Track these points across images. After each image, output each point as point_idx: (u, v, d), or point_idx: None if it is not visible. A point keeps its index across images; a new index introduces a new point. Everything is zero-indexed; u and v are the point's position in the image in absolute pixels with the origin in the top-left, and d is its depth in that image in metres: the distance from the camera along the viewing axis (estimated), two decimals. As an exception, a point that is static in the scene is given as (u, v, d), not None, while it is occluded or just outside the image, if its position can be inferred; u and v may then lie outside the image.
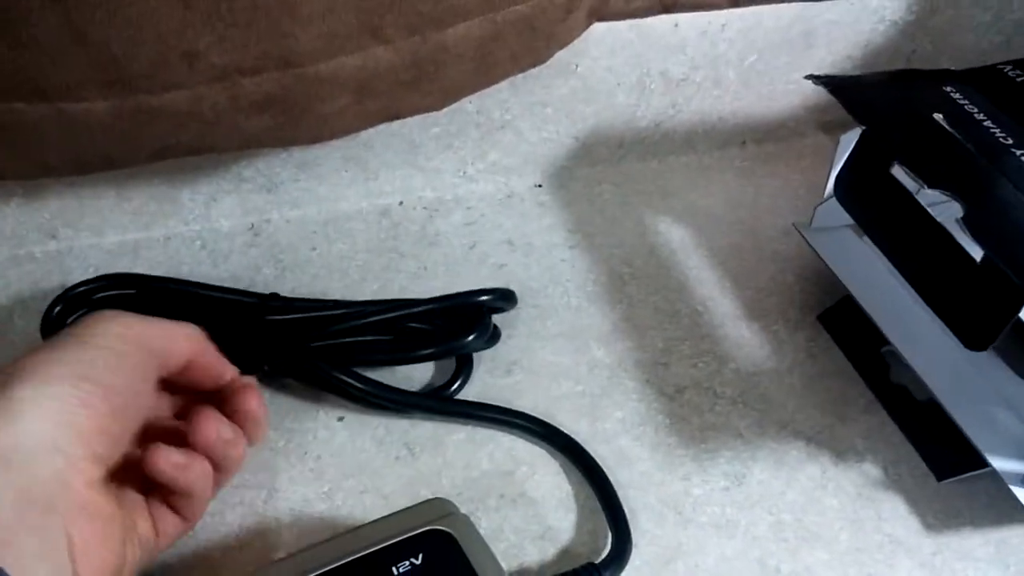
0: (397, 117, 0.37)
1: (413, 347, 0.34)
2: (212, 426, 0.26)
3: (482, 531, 0.30)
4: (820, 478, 0.32)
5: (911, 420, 0.34)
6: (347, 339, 0.34)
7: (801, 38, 0.43)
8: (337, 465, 0.32)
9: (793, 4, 0.41)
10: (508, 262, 0.40)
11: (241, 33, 0.31)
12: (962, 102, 0.34)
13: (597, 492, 0.31)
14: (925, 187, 0.29)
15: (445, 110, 0.38)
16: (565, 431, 0.33)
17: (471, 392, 0.34)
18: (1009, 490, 0.29)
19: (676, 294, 0.39)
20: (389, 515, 0.26)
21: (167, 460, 0.25)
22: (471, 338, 0.33)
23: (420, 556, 0.25)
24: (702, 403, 0.35)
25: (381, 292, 0.39)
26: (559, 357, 0.36)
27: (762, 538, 0.30)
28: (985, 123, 0.33)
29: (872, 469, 0.33)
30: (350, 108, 0.34)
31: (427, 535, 0.25)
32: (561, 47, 0.38)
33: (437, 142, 0.42)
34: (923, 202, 0.30)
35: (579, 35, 0.38)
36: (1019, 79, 0.36)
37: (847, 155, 0.33)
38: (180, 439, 0.26)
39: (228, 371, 0.29)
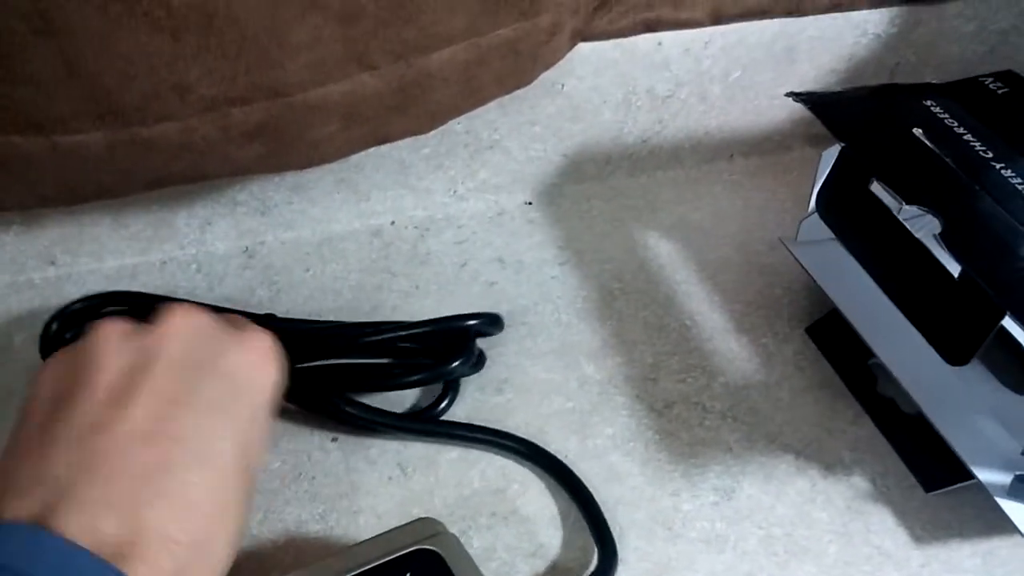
0: (385, 141, 0.37)
1: (399, 375, 0.34)
2: None
3: (474, 549, 0.30)
4: (809, 491, 0.33)
5: (899, 432, 0.34)
6: (335, 361, 0.34)
7: (784, 53, 0.43)
8: (331, 486, 0.33)
9: (775, 20, 0.41)
10: (499, 280, 0.41)
11: (230, 64, 0.31)
12: (942, 116, 0.34)
13: (581, 508, 0.31)
14: (904, 204, 0.29)
15: (434, 131, 0.39)
16: (549, 450, 0.33)
17: (461, 409, 0.35)
18: (995, 501, 0.29)
19: (665, 309, 0.39)
20: (377, 535, 0.27)
21: None
22: (456, 364, 0.34)
23: (408, 575, 0.25)
24: (691, 418, 0.35)
25: (374, 312, 0.39)
26: (549, 374, 0.37)
27: (752, 552, 0.31)
28: (965, 137, 0.33)
29: (861, 482, 0.33)
30: (339, 134, 0.35)
31: (415, 555, 0.26)
32: (546, 68, 0.38)
33: (427, 162, 0.42)
34: (902, 218, 0.30)
35: (563, 56, 0.39)
36: (1000, 91, 0.36)
37: (828, 171, 0.34)
38: None
39: None
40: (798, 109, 0.46)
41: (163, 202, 0.40)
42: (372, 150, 0.40)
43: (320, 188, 0.42)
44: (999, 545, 0.31)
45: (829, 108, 0.33)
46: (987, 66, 0.42)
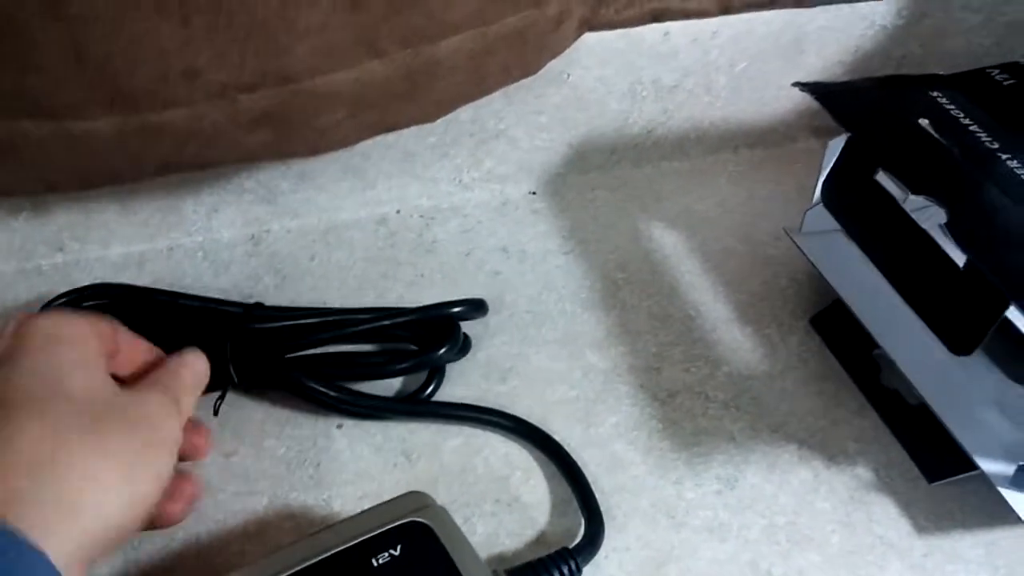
0: (392, 129, 0.37)
1: (386, 363, 0.35)
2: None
3: (477, 536, 0.30)
4: (812, 481, 0.33)
5: (902, 423, 0.34)
6: (321, 350, 0.35)
7: (792, 44, 0.43)
8: (336, 472, 0.33)
9: (783, 11, 0.41)
10: (503, 269, 0.41)
11: (239, 49, 0.31)
12: (948, 107, 0.34)
13: (566, 478, 0.32)
14: (910, 194, 0.29)
15: (440, 120, 0.39)
16: (530, 420, 0.34)
17: (468, 398, 0.35)
18: (999, 492, 0.29)
19: (669, 299, 0.39)
20: (367, 509, 0.27)
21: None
22: (442, 351, 0.34)
23: (399, 548, 0.25)
24: (695, 407, 0.35)
25: (379, 300, 0.39)
26: (554, 363, 0.37)
27: (755, 541, 0.31)
28: (971, 128, 0.33)
29: (864, 472, 0.33)
30: (346, 121, 0.35)
31: (405, 527, 0.26)
32: (552, 57, 0.38)
33: (433, 151, 0.43)
34: (908, 208, 0.30)
35: (570, 45, 0.39)
36: (1007, 83, 0.36)
37: (833, 161, 0.34)
38: None
39: (153, 350, 0.31)
40: (804, 101, 0.46)
41: (170, 189, 0.41)
42: (379, 139, 0.40)
43: (326, 176, 0.42)
44: (1002, 535, 0.31)
45: (836, 98, 0.33)
46: (993, 58, 0.42)
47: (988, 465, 0.30)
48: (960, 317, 0.28)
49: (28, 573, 0.20)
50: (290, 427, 0.34)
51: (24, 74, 0.30)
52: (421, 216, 0.44)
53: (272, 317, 0.35)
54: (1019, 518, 0.28)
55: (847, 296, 0.34)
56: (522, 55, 0.37)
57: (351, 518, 0.27)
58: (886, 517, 0.32)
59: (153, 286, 0.38)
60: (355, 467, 0.33)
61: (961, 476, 0.31)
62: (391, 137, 0.41)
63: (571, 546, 0.29)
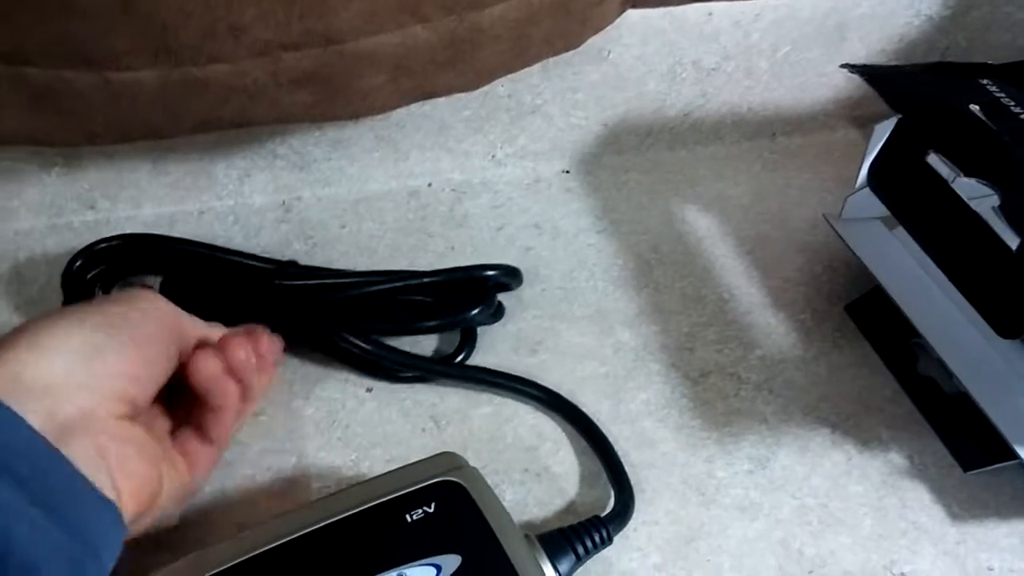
0: (431, 96, 0.37)
1: (418, 319, 0.35)
2: (242, 347, 0.27)
3: (507, 503, 0.30)
4: (845, 464, 0.32)
5: (938, 411, 0.34)
6: (354, 308, 0.35)
7: (835, 30, 0.43)
8: (364, 434, 0.33)
9: (828, -5, 0.41)
10: (535, 245, 0.41)
11: (285, 8, 0.31)
12: (998, 95, 0.34)
13: (595, 450, 0.31)
14: (961, 175, 0.29)
15: (476, 93, 0.39)
16: (561, 393, 0.33)
17: (498, 368, 0.35)
18: (1036, 482, 0.29)
19: (702, 281, 0.39)
20: (401, 467, 0.27)
21: (207, 364, 0.26)
22: (475, 312, 0.34)
23: (432, 505, 0.25)
24: (727, 388, 0.35)
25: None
26: (584, 339, 0.36)
27: (785, 521, 0.30)
28: (1021, 116, 0.33)
29: (897, 458, 0.33)
30: (387, 85, 0.35)
31: (439, 486, 0.26)
32: (595, 32, 0.38)
33: (467, 125, 0.42)
34: (959, 190, 0.30)
35: (613, 20, 0.38)
36: (1056, 74, 0.36)
37: (881, 144, 0.33)
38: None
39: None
40: (844, 89, 0.46)
41: (203, 151, 0.40)
42: (413, 109, 0.40)
43: (360, 145, 0.42)
44: (1037, 526, 0.31)
45: (886, 81, 0.33)
46: (1039, 54, 0.41)
47: (1027, 454, 0.29)
48: (1010, 300, 0.27)
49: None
50: (319, 389, 0.34)
51: (69, 20, 0.30)
52: (453, 190, 0.43)
53: (305, 275, 0.35)
54: (1059, 508, 0.28)
55: (887, 283, 0.34)
56: (565, 27, 0.36)
57: (385, 475, 0.27)
58: (919, 503, 0.31)
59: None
60: (383, 430, 0.33)
61: (997, 466, 0.30)
62: (426, 108, 0.41)
63: (602, 515, 0.29)
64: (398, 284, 0.35)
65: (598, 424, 0.33)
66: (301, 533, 0.24)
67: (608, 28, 0.39)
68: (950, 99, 0.33)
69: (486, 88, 0.39)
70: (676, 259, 0.40)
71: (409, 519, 0.25)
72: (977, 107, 0.32)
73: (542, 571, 0.25)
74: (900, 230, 0.34)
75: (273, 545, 0.24)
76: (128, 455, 0.23)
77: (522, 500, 0.31)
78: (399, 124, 0.41)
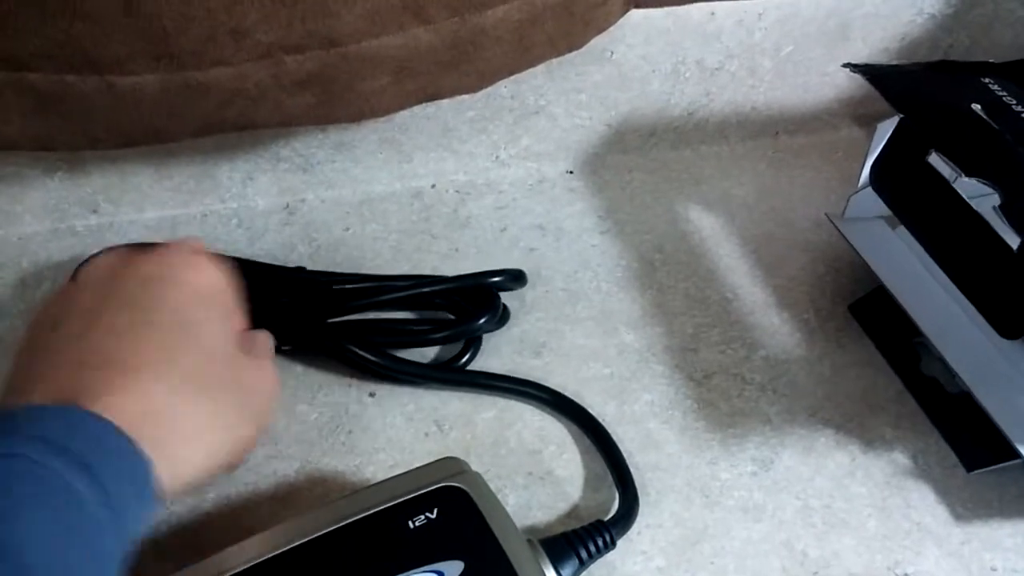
0: (435, 98, 0.37)
1: (426, 331, 0.35)
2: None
3: (510, 507, 0.30)
4: (849, 465, 0.32)
5: (941, 411, 0.34)
6: (361, 317, 0.35)
7: (838, 29, 0.42)
8: (368, 439, 0.33)
9: (830, -5, 0.41)
10: (539, 246, 0.41)
11: (287, 11, 0.31)
12: (1000, 94, 0.34)
13: (601, 451, 0.31)
14: (962, 175, 0.29)
15: (480, 94, 0.39)
16: (570, 396, 0.33)
17: (502, 371, 0.35)
18: (1040, 482, 0.29)
19: (706, 281, 0.39)
20: (403, 473, 0.27)
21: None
22: (482, 321, 0.34)
23: (435, 511, 0.25)
24: (730, 389, 0.35)
25: (413, 272, 0.39)
26: (588, 340, 0.36)
27: (789, 522, 0.31)
28: (1023, 115, 0.33)
29: (901, 458, 0.33)
30: (390, 87, 0.35)
31: (441, 491, 0.26)
32: (598, 32, 0.38)
33: (471, 126, 0.42)
34: (961, 190, 0.30)
35: (616, 21, 0.38)
36: (1060, 72, 0.36)
37: (883, 143, 0.33)
38: None
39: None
40: (847, 88, 0.46)
41: (207, 154, 0.41)
42: (417, 111, 0.40)
43: (363, 147, 0.42)
44: (1042, 527, 0.31)
45: (887, 80, 0.33)
46: (1042, 51, 0.41)
47: (1031, 455, 0.29)
48: (1011, 300, 0.27)
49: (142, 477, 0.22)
50: (322, 394, 0.34)
51: (72, 25, 0.30)
52: (456, 191, 0.43)
53: (312, 281, 0.35)
54: (1063, 508, 0.28)
55: (890, 283, 0.34)
56: (568, 28, 0.36)
57: (387, 480, 0.27)
58: (923, 503, 0.31)
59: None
60: (387, 435, 0.33)
61: (1000, 466, 0.30)
62: (430, 109, 0.41)
63: (605, 519, 0.29)
64: (402, 294, 0.35)
65: (604, 425, 0.33)
66: (304, 540, 0.24)
67: (611, 28, 0.39)
68: (952, 98, 0.33)
69: (489, 89, 0.39)
70: (680, 259, 0.40)
71: (412, 525, 0.25)
72: (979, 106, 0.32)
73: (545, 576, 0.25)
74: (902, 229, 0.34)
75: (276, 552, 0.24)
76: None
77: (525, 504, 0.31)
78: (402, 126, 0.42)
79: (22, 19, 0.30)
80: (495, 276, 0.36)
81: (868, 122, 0.47)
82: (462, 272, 0.37)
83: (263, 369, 0.28)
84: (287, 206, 0.42)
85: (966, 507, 0.31)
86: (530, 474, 0.32)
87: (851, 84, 0.45)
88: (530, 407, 0.34)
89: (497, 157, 0.44)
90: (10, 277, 0.38)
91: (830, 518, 0.31)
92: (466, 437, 0.33)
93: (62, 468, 0.20)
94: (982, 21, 0.44)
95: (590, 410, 0.33)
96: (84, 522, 0.19)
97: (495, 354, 0.35)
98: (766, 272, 0.40)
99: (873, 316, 0.37)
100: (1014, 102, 0.33)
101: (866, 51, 0.44)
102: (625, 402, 0.34)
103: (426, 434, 0.33)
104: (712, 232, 0.41)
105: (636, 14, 0.39)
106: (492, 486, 0.30)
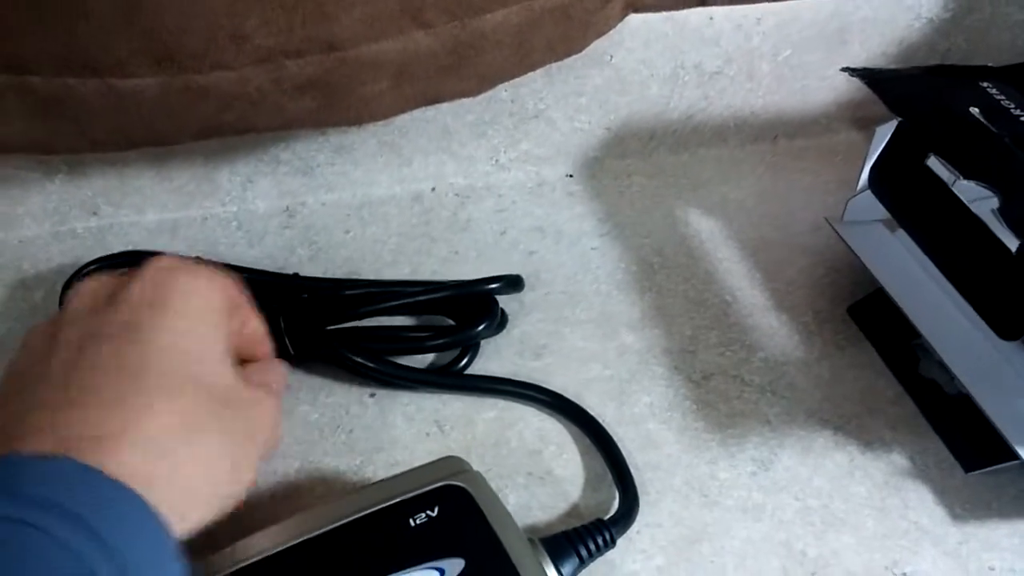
0: (435, 101, 0.37)
1: (425, 338, 0.35)
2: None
3: (510, 507, 0.30)
4: (847, 466, 0.32)
5: (940, 413, 0.34)
6: (361, 324, 0.35)
7: (836, 33, 0.43)
8: (368, 440, 0.33)
9: (829, -1, 0.41)
10: (538, 249, 0.41)
11: (287, 16, 0.31)
12: (999, 98, 0.34)
13: (601, 451, 0.32)
14: (961, 178, 0.29)
15: (480, 97, 0.39)
16: (569, 397, 0.33)
17: (502, 373, 0.35)
18: (1038, 483, 0.29)
19: (705, 284, 0.39)
20: (405, 471, 0.27)
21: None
22: (480, 328, 0.34)
23: (436, 509, 0.25)
24: (729, 390, 0.35)
25: (413, 276, 0.39)
26: (588, 342, 0.37)
27: (788, 522, 0.31)
28: (1021, 118, 0.33)
29: (900, 459, 0.33)
30: (390, 91, 0.35)
31: (442, 490, 0.26)
32: (597, 37, 0.38)
33: (471, 130, 0.42)
34: (959, 192, 0.30)
35: (615, 25, 0.39)
36: (1056, 76, 0.36)
37: (882, 147, 0.34)
38: None
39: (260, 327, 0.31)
40: (846, 92, 0.46)
41: (207, 157, 0.41)
42: (416, 114, 0.40)
43: (363, 150, 0.42)
44: (1040, 527, 0.31)
45: (886, 84, 0.33)
46: (1039, 55, 0.41)
47: (1029, 456, 0.29)
48: (1009, 301, 0.27)
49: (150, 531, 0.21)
50: (323, 394, 0.34)
51: (73, 28, 0.30)
52: (456, 194, 0.44)
53: (310, 288, 0.35)
54: (1062, 509, 0.28)
55: (889, 285, 0.34)
56: (567, 32, 0.36)
57: (389, 479, 0.27)
58: (921, 504, 0.31)
59: (187, 254, 0.38)
60: (387, 435, 0.33)
61: (998, 466, 0.31)
62: (429, 113, 0.41)
63: (605, 518, 0.29)
64: (401, 301, 0.35)
65: (604, 426, 0.33)
66: (304, 538, 0.25)
67: (610, 32, 0.39)
68: (950, 102, 0.33)
69: (489, 93, 0.39)
70: (679, 262, 0.40)
71: (412, 523, 0.25)
72: (977, 110, 0.32)
73: (545, 574, 0.25)
74: (901, 232, 0.35)
75: (277, 550, 0.24)
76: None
77: (526, 503, 0.31)
78: (402, 129, 0.42)
79: (22, 24, 0.30)
80: (493, 282, 0.36)
81: (867, 126, 0.47)
82: (461, 275, 0.37)
83: (262, 405, 0.27)
84: (287, 209, 0.42)
85: (964, 507, 0.31)
86: (530, 474, 0.32)
87: (849, 88, 0.45)
88: (530, 408, 0.34)
89: (497, 161, 0.44)
90: (10, 279, 0.38)
91: (829, 518, 0.31)
92: (467, 437, 0.33)
93: (69, 536, 0.18)
94: (979, 25, 0.44)
95: (590, 411, 0.33)
96: None
97: (495, 356, 0.36)
98: (765, 275, 0.40)
99: (872, 318, 0.37)
100: (1012, 106, 0.33)
101: (864, 55, 0.44)
102: (625, 403, 0.34)
103: (427, 434, 0.33)
104: (711, 235, 0.42)
105: (635, 18, 0.40)
106: (493, 486, 0.30)
